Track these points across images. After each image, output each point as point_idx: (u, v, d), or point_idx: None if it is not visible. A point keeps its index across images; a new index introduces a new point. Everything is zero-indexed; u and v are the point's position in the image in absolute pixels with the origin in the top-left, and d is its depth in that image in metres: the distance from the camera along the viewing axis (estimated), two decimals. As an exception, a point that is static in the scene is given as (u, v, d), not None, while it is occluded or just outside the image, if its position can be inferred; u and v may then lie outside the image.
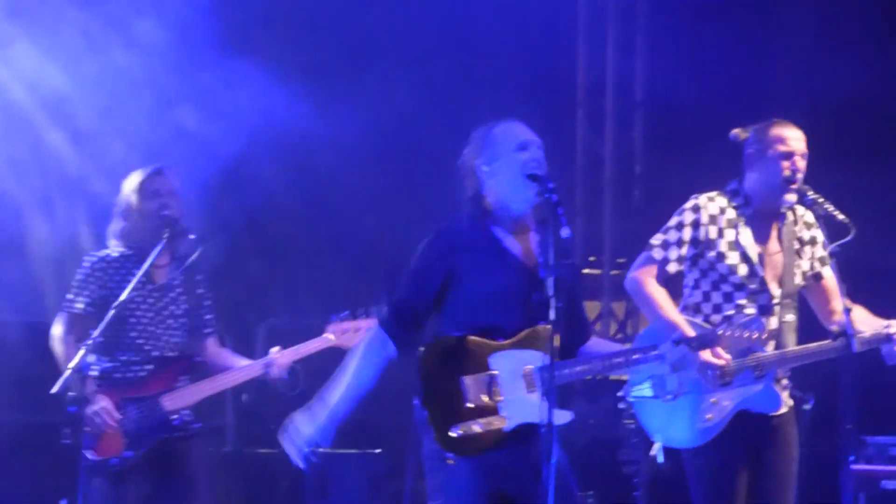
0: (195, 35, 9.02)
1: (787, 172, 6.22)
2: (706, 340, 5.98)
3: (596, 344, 5.97)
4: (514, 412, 5.61)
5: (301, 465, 5.70)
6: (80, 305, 6.87)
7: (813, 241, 6.39)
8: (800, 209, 6.38)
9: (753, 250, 6.30)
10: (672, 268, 6.30)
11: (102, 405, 6.69)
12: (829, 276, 6.35)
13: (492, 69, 10.66)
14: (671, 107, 11.42)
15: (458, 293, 5.74)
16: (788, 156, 6.24)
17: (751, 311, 6.24)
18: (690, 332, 6.11)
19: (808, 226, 6.38)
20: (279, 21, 10.08)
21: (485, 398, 5.59)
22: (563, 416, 5.54)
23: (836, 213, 6.21)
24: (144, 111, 9.06)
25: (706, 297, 6.35)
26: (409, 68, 10.46)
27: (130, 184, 6.98)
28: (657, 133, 11.67)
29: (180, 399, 6.82)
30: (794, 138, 6.29)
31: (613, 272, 11.56)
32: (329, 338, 7.05)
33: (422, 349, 5.69)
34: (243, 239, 10.00)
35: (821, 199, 6.21)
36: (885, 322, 6.29)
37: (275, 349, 7.02)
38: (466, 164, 5.88)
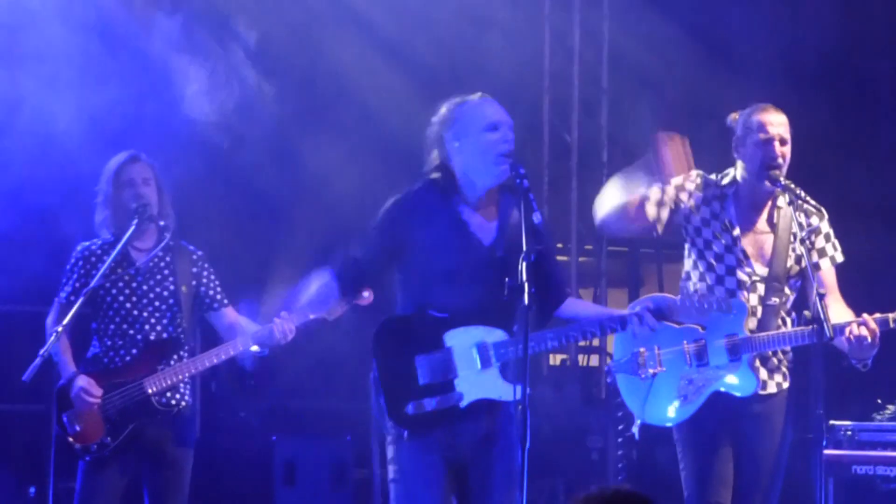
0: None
1: (765, 159, 6.25)
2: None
3: (573, 305, 6.01)
4: (469, 389, 5.66)
5: None
6: (63, 294, 6.88)
7: (813, 230, 6.33)
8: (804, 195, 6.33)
9: (735, 224, 6.34)
10: (650, 209, 6.34)
11: (82, 384, 6.67)
12: (828, 268, 6.36)
13: (459, 58, 10.63)
14: (637, 94, 11.44)
15: (415, 267, 5.78)
16: (768, 142, 6.26)
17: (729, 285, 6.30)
18: None
19: (810, 214, 6.35)
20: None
21: (439, 376, 5.65)
22: (510, 392, 5.60)
23: (808, 198, 6.25)
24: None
25: (694, 265, 6.43)
26: (380, 58, 10.44)
27: (107, 173, 6.96)
28: (623, 120, 11.68)
29: (161, 380, 6.77)
30: (773, 124, 6.31)
31: (581, 258, 11.59)
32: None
33: (377, 328, 5.75)
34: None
35: (792, 185, 6.24)
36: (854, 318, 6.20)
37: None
38: (434, 135, 5.90)
